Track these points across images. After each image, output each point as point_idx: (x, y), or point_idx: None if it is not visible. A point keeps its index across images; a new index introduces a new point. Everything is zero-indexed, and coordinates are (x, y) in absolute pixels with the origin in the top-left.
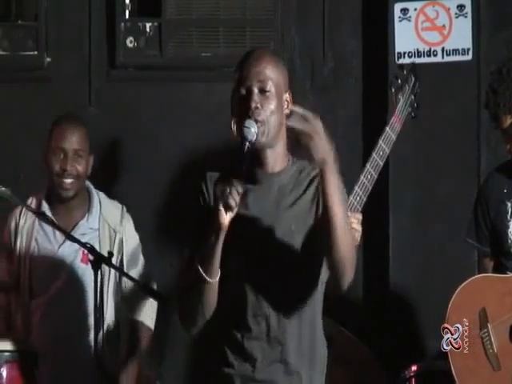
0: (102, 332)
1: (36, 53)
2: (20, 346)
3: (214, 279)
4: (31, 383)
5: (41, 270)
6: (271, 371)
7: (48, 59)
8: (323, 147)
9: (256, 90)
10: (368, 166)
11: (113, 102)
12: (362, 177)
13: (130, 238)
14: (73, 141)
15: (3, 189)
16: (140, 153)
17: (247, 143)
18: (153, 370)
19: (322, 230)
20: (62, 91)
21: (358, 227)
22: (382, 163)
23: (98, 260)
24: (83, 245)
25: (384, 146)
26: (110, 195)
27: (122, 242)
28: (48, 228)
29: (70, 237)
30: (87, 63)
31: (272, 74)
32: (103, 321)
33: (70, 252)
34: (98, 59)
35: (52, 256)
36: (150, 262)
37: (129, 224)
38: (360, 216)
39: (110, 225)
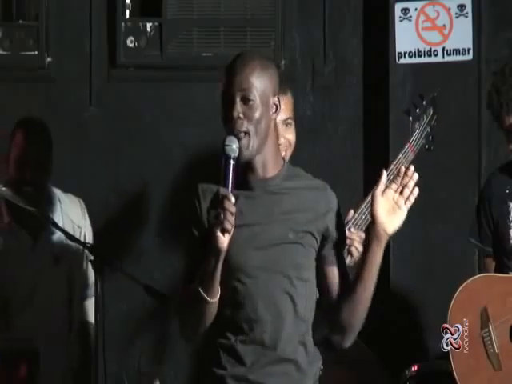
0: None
1: (37, 53)
2: (21, 346)
3: (215, 299)
4: (32, 383)
5: (16, 278)
6: (264, 374)
7: (49, 59)
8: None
9: (238, 100)
10: None
11: (113, 101)
12: (370, 197)
13: (88, 231)
14: (35, 151)
15: (4, 188)
16: (140, 153)
17: (231, 161)
18: (153, 370)
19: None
20: (62, 91)
21: (359, 246)
22: None
23: (100, 260)
24: (83, 244)
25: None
26: (111, 195)
27: (85, 236)
28: (17, 232)
29: (71, 238)
30: (88, 63)
31: (256, 81)
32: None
33: (43, 254)
34: (99, 59)
35: (25, 261)
36: (151, 261)
37: (87, 217)
38: (363, 235)
39: (73, 221)
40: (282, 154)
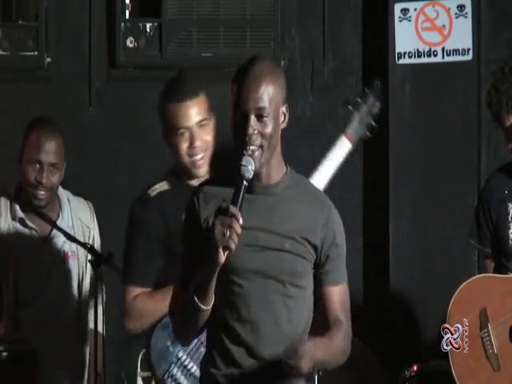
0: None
1: (36, 53)
2: (20, 346)
3: (209, 306)
4: (31, 383)
5: (25, 276)
6: (257, 375)
7: (48, 59)
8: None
9: (253, 116)
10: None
11: (113, 102)
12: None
13: (97, 233)
14: (49, 153)
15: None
16: (140, 153)
17: (244, 182)
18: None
19: None
20: (62, 91)
21: None
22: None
23: (99, 260)
24: (83, 245)
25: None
26: (110, 195)
27: (94, 237)
28: (26, 230)
29: (71, 238)
30: (87, 63)
31: (270, 96)
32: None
33: (52, 253)
34: (99, 59)
35: (35, 259)
36: None
37: (95, 220)
38: None
39: (82, 221)
40: (199, 156)
